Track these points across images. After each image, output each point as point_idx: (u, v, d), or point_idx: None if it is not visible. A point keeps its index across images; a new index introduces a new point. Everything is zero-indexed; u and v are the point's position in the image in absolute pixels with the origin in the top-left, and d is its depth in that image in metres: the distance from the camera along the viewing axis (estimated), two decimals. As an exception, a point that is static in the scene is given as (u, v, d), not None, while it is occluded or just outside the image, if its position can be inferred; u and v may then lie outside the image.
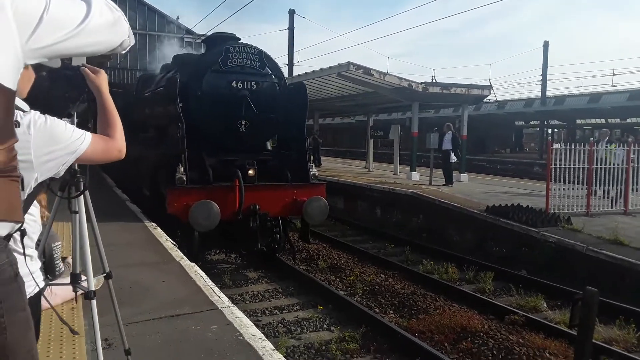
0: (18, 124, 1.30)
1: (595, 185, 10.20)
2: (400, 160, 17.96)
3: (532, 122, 39.92)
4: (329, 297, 6.95)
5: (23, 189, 1.24)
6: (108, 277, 2.30)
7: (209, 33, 11.17)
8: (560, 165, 9.85)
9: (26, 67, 1.20)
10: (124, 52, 1.34)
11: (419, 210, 11.72)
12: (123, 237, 6.16)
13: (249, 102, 7.52)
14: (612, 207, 10.35)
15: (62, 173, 1.50)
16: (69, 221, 2.13)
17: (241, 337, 3.43)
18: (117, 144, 1.60)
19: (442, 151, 14.01)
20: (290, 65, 25.21)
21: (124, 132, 1.66)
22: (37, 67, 1.57)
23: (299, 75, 17.37)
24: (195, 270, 5.10)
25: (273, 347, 3.31)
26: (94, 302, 2.09)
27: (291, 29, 25.31)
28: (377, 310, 6.66)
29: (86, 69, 1.68)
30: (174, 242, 6.38)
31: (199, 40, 18.95)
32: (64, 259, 4.08)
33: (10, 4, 1.01)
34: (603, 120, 33.40)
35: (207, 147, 7.62)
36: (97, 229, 2.16)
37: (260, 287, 7.58)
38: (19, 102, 1.37)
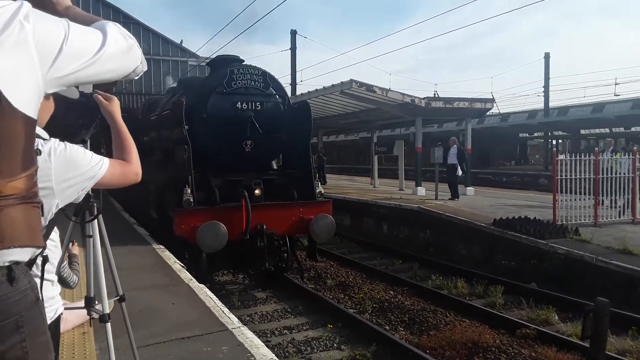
0: (39, 152, 1.34)
1: (602, 195, 10.16)
2: (405, 176, 17.96)
3: (536, 134, 39.92)
4: (339, 315, 6.91)
5: (43, 215, 1.27)
6: (121, 300, 2.32)
7: (213, 56, 11.34)
8: (566, 176, 9.84)
9: (47, 97, 1.24)
10: (137, 77, 1.39)
11: (425, 225, 11.69)
12: (132, 261, 6.19)
13: (254, 123, 7.60)
14: (619, 217, 10.29)
15: (81, 198, 1.54)
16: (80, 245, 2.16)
17: (252, 358, 3.43)
18: (133, 168, 1.65)
19: (448, 165, 14.03)
20: (294, 84, 25.45)
21: None
22: (58, 98, 1.62)
23: (302, 94, 17.53)
24: (204, 292, 5.11)
25: (284, 367, 3.31)
26: (108, 325, 2.11)
27: (293, 48, 25.61)
28: (387, 327, 6.62)
29: (99, 96, 1.73)
30: (182, 264, 6.40)
31: (203, 63, 19.21)
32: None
33: (32, 36, 1.06)
34: (607, 130, 33.39)
35: (213, 168, 7.68)
36: (111, 252, 2.19)
37: (269, 307, 7.56)
38: (39, 130, 1.42)
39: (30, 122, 1.08)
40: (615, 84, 34.37)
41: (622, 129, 33.43)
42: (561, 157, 10.21)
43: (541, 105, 32.42)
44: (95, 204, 2.06)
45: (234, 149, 7.71)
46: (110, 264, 2.25)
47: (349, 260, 10.36)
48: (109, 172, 1.53)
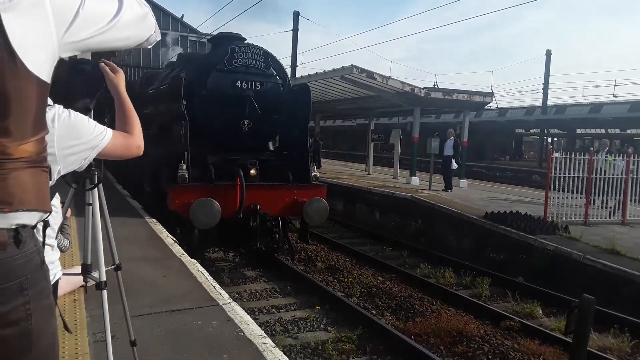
0: None
1: (594, 195, 10.27)
2: (400, 165, 18.02)
3: (532, 130, 40.02)
4: (327, 297, 6.99)
5: (51, 179, 1.29)
6: (117, 269, 2.35)
7: (215, 32, 11.24)
8: (559, 174, 9.91)
9: None
10: (149, 46, 1.39)
11: (417, 215, 11.77)
12: (124, 232, 6.21)
13: (253, 102, 7.58)
14: (610, 217, 10.41)
15: (84, 167, 1.55)
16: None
17: (242, 333, 3.48)
18: (136, 141, 1.66)
19: (443, 157, 14.08)
20: (294, 66, 25.30)
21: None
22: (63, 63, 1.62)
23: (302, 76, 17.45)
24: (196, 267, 5.15)
25: (273, 344, 3.36)
26: (104, 292, 2.14)
27: (295, 30, 25.39)
28: (374, 312, 6.71)
29: (106, 67, 1.73)
30: (174, 239, 6.43)
31: (203, 40, 19.02)
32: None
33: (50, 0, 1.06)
34: (603, 131, 33.51)
35: (209, 146, 7.68)
36: (109, 221, 2.21)
37: (258, 286, 7.63)
38: None
39: (44, 86, 1.08)
40: (615, 85, 34.42)
41: (617, 131, 33.59)
42: (556, 154, 10.28)
43: (540, 102, 32.46)
44: (97, 173, 2.07)
45: (232, 128, 7.70)
46: (108, 233, 2.27)
47: (340, 245, 10.43)
48: (112, 142, 1.54)
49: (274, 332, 5.81)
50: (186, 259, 5.44)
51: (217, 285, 4.57)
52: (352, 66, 13.35)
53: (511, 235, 9.01)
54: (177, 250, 5.81)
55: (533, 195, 14.14)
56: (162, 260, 5.35)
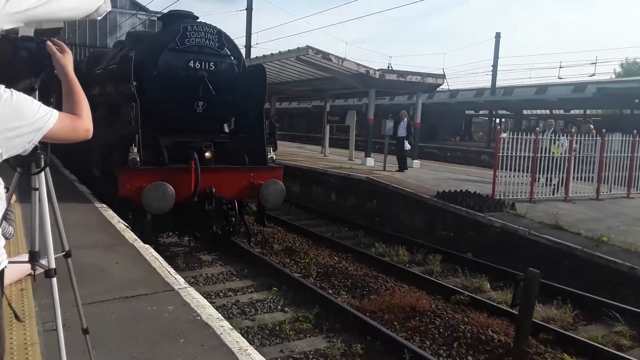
0: None
1: (539, 173, 10.74)
2: (355, 146, 18.19)
3: (481, 112, 41.17)
4: (284, 279, 7.05)
5: None
6: (67, 255, 2.28)
7: (165, 10, 10.87)
8: (507, 153, 10.30)
9: None
10: (100, 17, 1.34)
11: (372, 195, 11.97)
12: (73, 218, 6.00)
13: (207, 83, 7.41)
14: (553, 194, 10.93)
15: (28, 151, 1.49)
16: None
17: (198, 317, 3.47)
18: (84, 123, 1.59)
19: (397, 138, 14.32)
20: (248, 47, 24.82)
21: None
22: (4, 40, 1.54)
23: (257, 57, 17.19)
24: (150, 252, 5.06)
25: (231, 327, 3.37)
26: (54, 280, 2.07)
27: (249, 9, 24.88)
28: (330, 291, 6.83)
29: (52, 46, 1.65)
30: (126, 224, 6.28)
31: (153, 18, 18.34)
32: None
33: None
34: (548, 111, 34.91)
35: (162, 128, 7.47)
36: (57, 206, 2.14)
37: (214, 269, 7.59)
38: None
39: None
40: (560, 67, 35.91)
41: (562, 111, 35.07)
42: (504, 135, 10.65)
43: (489, 84, 33.33)
44: (43, 156, 1.99)
45: (185, 110, 7.51)
46: (57, 218, 2.20)
47: (297, 227, 10.50)
48: (58, 125, 1.47)
49: (231, 315, 5.82)
50: (139, 244, 5.33)
51: (172, 270, 4.52)
52: (308, 47, 13.27)
53: (461, 213, 9.32)
54: (130, 236, 5.68)
55: (482, 174, 14.63)
56: (114, 246, 5.22)
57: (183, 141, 7.50)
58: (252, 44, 25.11)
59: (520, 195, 10.40)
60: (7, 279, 3.59)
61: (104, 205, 7.19)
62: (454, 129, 41.99)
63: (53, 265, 2.05)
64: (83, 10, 1.25)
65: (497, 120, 41.18)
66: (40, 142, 1.59)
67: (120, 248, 5.17)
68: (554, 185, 11.10)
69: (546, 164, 10.75)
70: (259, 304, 6.25)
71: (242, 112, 8.27)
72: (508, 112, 38.50)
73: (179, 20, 7.75)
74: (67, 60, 1.68)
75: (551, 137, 11.25)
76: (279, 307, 6.20)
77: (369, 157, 15.73)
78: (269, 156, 8.03)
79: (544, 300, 6.43)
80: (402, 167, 14.16)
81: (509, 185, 10.39)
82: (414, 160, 15.79)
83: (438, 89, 19.41)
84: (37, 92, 1.74)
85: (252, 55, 22.10)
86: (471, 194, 9.91)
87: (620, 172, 11.70)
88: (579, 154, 11.12)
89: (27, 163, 1.99)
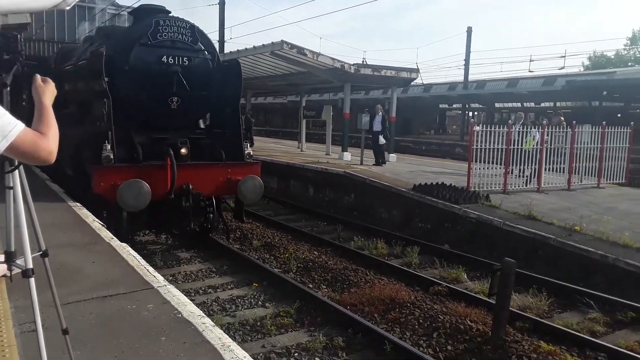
0: None
1: (512, 165, 10.95)
2: (332, 141, 18.22)
3: (454, 105, 41.72)
4: (264, 274, 7.03)
5: None
6: (44, 255, 2.23)
7: (136, 4, 10.64)
8: (480, 146, 10.47)
9: None
10: (68, 7, 1.31)
11: (350, 189, 12.03)
12: (47, 218, 5.85)
13: (181, 79, 7.30)
14: (526, 186, 11.16)
15: None
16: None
17: (179, 315, 3.44)
18: (48, 144, 1.53)
19: (373, 132, 14.40)
20: (222, 41, 24.54)
21: None
22: None
23: (231, 52, 17.03)
24: (127, 251, 4.98)
25: (213, 324, 3.35)
26: (32, 280, 2.02)
27: (222, 3, 24.59)
28: (310, 285, 6.84)
29: (38, 77, 1.62)
30: (102, 223, 6.17)
31: (123, 12, 17.93)
32: None
33: None
34: (519, 104, 35.58)
35: (135, 125, 7.35)
36: (32, 205, 2.09)
37: (193, 267, 7.52)
38: None
39: None
40: (530, 61, 36.63)
41: (532, 104, 35.79)
42: (477, 128, 10.81)
43: (462, 78, 33.75)
44: (16, 154, 1.93)
45: (159, 106, 7.39)
46: (32, 218, 2.14)
47: (275, 222, 10.47)
48: (21, 137, 1.42)
49: (211, 312, 5.78)
50: (116, 243, 5.25)
51: (150, 269, 4.46)
52: (282, 42, 13.21)
53: (437, 205, 9.45)
54: (106, 234, 5.58)
55: (456, 167, 14.84)
56: (90, 245, 5.12)
57: (158, 137, 7.38)
58: (225, 39, 24.84)
59: (495, 187, 10.59)
60: (-20, 281, 3.50)
61: (77, 204, 7.04)
62: (429, 123, 42.44)
63: (30, 265, 2.00)
64: (50, 0, 1.21)
65: (470, 114, 41.76)
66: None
67: (97, 247, 5.07)
68: (527, 176, 11.34)
69: (519, 156, 10.96)
70: (239, 300, 6.22)
71: (218, 108, 8.18)
72: (481, 106, 39.10)
73: (151, 14, 7.60)
74: (47, 90, 1.64)
75: (520, 129, 11.46)
76: (259, 302, 6.18)
77: (346, 151, 15.79)
78: (246, 152, 7.97)
79: (520, 289, 6.57)
80: (381, 161, 14.26)
81: (484, 177, 10.57)
82: (390, 154, 15.91)
83: (412, 83, 19.58)
84: (8, 87, 1.69)
85: (226, 50, 21.87)
86: (447, 187, 10.04)
87: (590, 162, 12.03)
88: (550, 145, 11.38)
89: (0, 162, 1.93)
